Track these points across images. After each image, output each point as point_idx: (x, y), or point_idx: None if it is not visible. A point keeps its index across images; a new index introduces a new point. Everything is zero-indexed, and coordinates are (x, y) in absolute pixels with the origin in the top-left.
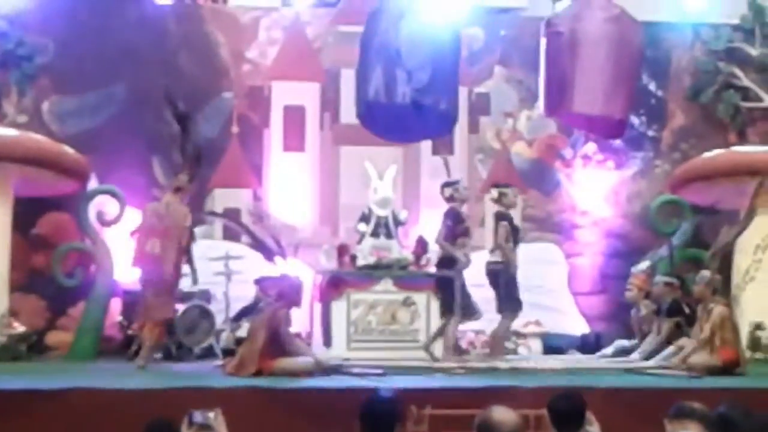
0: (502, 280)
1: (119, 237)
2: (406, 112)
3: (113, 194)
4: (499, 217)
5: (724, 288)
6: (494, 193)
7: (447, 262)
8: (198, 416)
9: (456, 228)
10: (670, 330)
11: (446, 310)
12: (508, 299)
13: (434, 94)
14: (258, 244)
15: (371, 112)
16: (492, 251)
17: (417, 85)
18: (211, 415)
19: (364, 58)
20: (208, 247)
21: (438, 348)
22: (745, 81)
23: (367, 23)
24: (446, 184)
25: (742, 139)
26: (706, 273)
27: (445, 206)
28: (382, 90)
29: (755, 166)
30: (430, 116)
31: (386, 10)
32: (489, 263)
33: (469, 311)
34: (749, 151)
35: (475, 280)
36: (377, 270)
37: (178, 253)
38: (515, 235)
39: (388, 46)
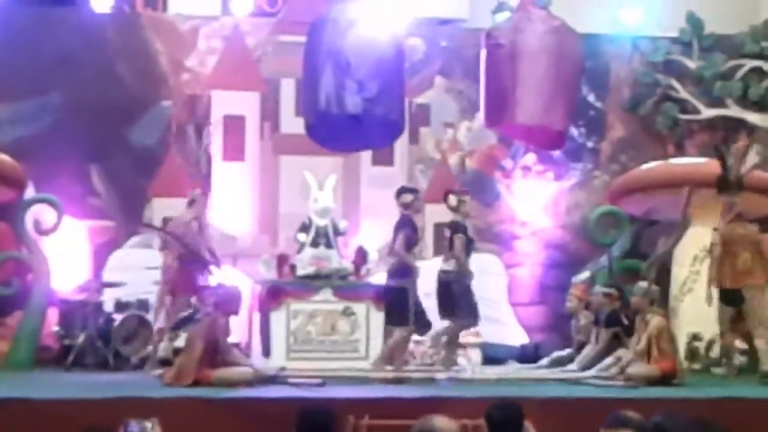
0: (457, 290)
1: (56, 246)
2: (355, 122)
3: (50, 203)
4: (455, 228)
5: (662, 299)
6: (453, 200)
7: (401, 271)
8: (134, 426)
9: (413, 236)
10: (608, 340)
11: (399, 322)
12: (468, 309)
13: (383, 104)
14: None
15: (321, 122)
16: (446, 260)
17: (367, 95)
18: (148, 424)
19: (310, 67)
20: (146, 257)
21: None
22: (683, 93)
23: (310, 33)
24: (406, 191)
25: (680, 150)
26: (643, 284)
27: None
28: (333, 100)
29: (692, 177)
30: (377, 126)
31: (330, 21)
32: (441, 272)
33: (423, 323)
34: (687, 162)
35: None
36: (317, 280)
37: None
38: (470, 246)
39: (336, 56)
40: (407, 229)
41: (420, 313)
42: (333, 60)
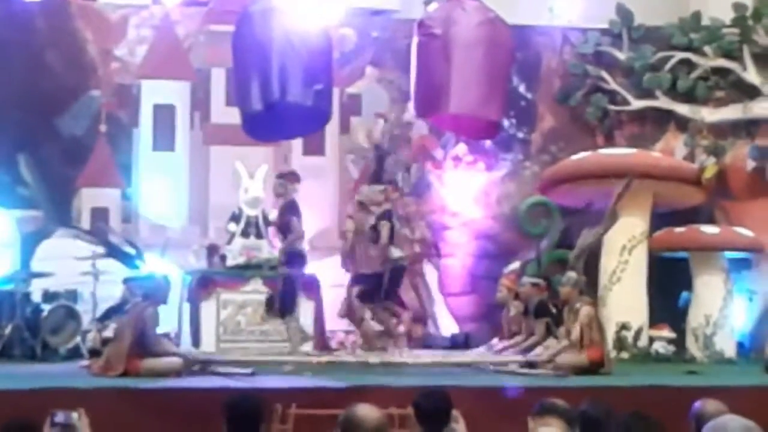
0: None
1: None
2: (284, 111)
3: None
4: (381, 216)
5: (590, 288)
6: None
7: (294, 258)
8: (60, 416)
9: (299, 222)
10: (542, 330)
11: (287, 311)
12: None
13: (313, 93)
14: (114, 252)
15: (256, 114)
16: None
17: (296, 84)
18: (75, 415)
19: (241, 58)
20: (75, 247)
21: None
22: (613, 84)
23: (238, 24)
24: (281, 176)
25: (610, 141)
26: (572, 274)
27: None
28: (268, 90)
29: (622, 168)
30: (305, 113)
31: (258, 11)
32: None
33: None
34: (616, 153)
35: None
36: (247, 270)
37: None
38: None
39: (264, 47)
40: (293, 216)
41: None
42: (260, 50)
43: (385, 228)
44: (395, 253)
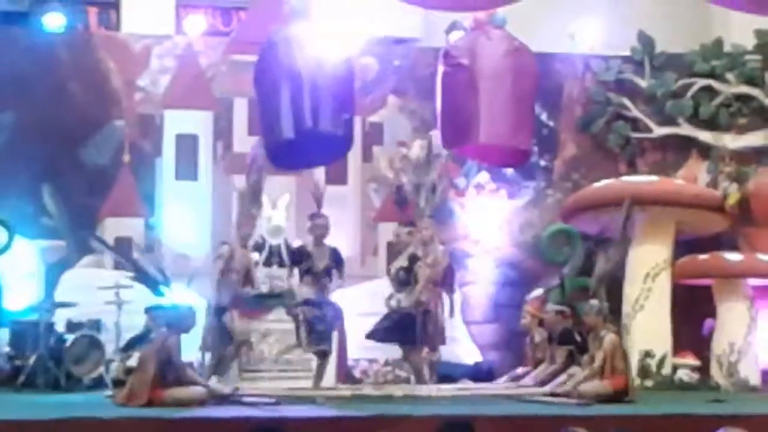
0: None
1: (7, 266)
2: (310, 139)
3: (1, 223)
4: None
5: (613, 316)
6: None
7: None
8: None
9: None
10: (565, 358)
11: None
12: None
13: (336, 122)
14: (142, 276)
15: (280, 146)
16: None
17: (326, 113)
18: None
19: (265, 88)
20: (98, 277)
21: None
22: (635, 112)
23: (262, 53)
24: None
25: (632, 169)
26: (595, 302)
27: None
28: (295, 119)
29: (644, 195)
30: (329, 142)
31: (282, 41)
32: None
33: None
34: (638, 180)
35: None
36: (270, 299)
37: None
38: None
39: (291, 76)
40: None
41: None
42: (292, 79)
43: (420, 271)
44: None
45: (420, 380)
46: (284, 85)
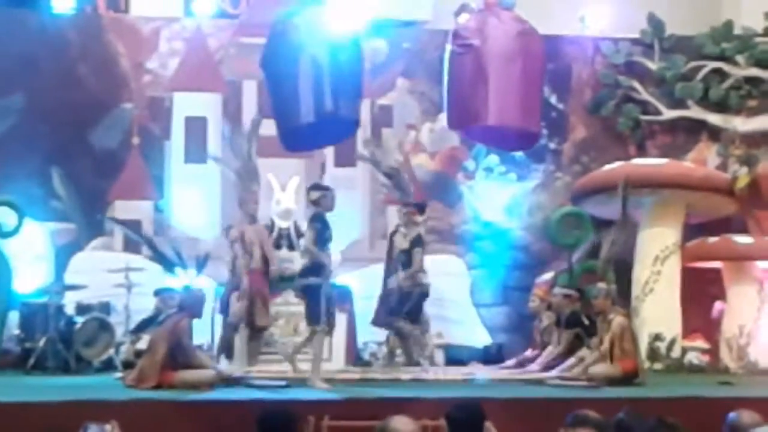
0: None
1: (17, 248)
2: (326, 123)
3: (11, 206)
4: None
5: (622, 299)
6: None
7: (314, 268)
8: (93, 428)
9: (325, 233)
10: (570, 341)
11: (312, 321)
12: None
13: (355, 105)
14: (158, 256)
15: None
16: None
17: (346, 98)
18: (108, 427)
19: (278, 72)
20: (108, 259)
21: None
22: (645, 94)
23: (272, 36)
24: (315, 188)
25: (642, 151)
26: (603, 285)
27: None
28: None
29: (654, 178)
30: (338, 123)
31: (291, 25)
32: None
33: (333, 322)
34: (648, 163)
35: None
36: (279, 282)
37: None
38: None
39: (305, 62)
40: (317, 224)
41: (333, 312)
42: (305, 65)
43: (418, 255)
44: (424, 279)
45: (410, 360)
46: (301, 68)
